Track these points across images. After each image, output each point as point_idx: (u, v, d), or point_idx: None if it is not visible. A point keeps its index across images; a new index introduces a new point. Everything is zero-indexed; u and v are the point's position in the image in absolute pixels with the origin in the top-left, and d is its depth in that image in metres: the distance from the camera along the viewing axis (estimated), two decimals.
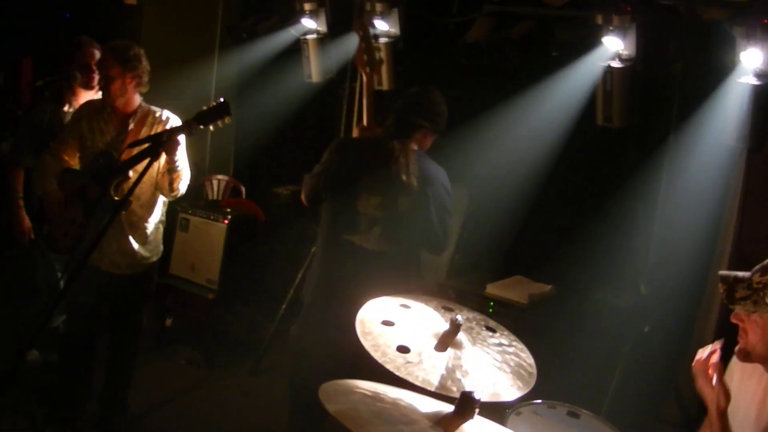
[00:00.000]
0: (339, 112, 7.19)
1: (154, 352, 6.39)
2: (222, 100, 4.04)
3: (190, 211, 6.66)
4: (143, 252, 4.80)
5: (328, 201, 4.35)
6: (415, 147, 4.27)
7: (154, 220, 4.83)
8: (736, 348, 2.75)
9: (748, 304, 2.57)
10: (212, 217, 6.57)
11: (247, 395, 6.00)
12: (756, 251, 4.86)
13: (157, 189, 4.70)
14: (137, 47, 4.68)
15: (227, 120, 4.07)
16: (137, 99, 4.72)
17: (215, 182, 7.57)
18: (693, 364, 2.79)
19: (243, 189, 7.53)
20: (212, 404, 5.78)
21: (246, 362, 6.43)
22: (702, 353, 2.79)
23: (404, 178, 4.12)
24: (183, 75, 6.71)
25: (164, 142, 3.98)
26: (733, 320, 2.72)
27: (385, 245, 4.15)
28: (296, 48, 6.55)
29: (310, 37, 6.40)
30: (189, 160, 4.68)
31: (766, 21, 4.41)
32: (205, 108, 4.01)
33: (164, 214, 4.95)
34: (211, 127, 4.15)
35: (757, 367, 2.79)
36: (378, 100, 6.69)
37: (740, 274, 2.64)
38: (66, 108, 5.34)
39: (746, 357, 2.72)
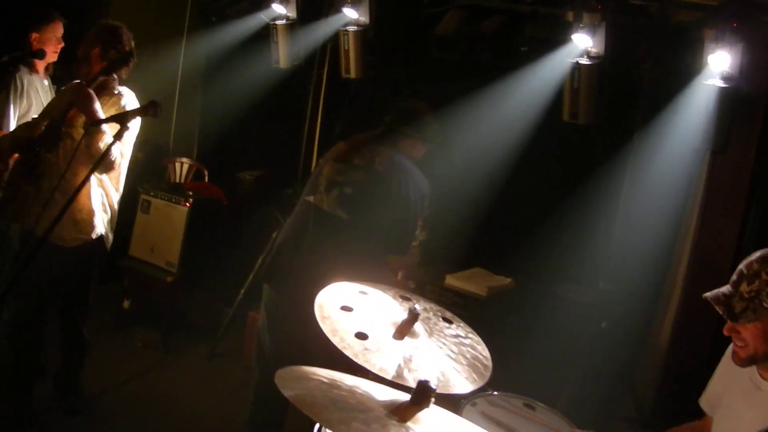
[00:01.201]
0: (306, 98, 7.17)
1: (110, 333, 6.34)
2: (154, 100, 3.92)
3: (151, 193, 6.60)
4: (71, 224, 4.57)
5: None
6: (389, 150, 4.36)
7: (90, 195, 4.63)
8: (735, 357, 2.74)
9: (749, 315, 2.58)
10: (174, 200, 6.51)
11: (203, 379, 5.98)
12: (716, 252, 4.93)
13: (97, 167, 4.40)
14: (123, 29, 4.69)
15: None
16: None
17: (178, 165, 7.49)
18: None
19: (206, 172, 7.47)
20: (167, 387, 5.74)
21: (203, 347, 6.41)
22: None
23: (358, 161, 4.28)
24: (150, 55, 6.64)
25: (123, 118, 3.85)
26: (727, 333, 2.72)
27: (340, 210, 4.21)
28: (265, 33, 6.51)
29: (279, 22, 6.37)
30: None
31: (735, 25, 4.46)
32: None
33: (106, 197, 4.76)
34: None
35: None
36: (344, 89, 6.74)
37: (724, 290, 2.68)
38: (37, 75, 5.44)
39: (752, 361, 2.71)
